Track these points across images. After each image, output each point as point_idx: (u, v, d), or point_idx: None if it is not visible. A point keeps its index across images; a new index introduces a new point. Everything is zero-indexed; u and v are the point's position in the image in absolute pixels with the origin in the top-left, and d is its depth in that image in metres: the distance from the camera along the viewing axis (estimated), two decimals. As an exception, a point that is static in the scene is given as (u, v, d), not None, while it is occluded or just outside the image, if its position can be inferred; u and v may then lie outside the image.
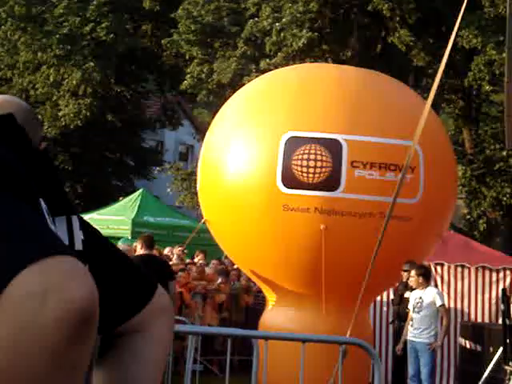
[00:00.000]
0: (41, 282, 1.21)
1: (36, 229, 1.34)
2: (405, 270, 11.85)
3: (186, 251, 15.72)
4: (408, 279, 11.78)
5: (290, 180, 11.74)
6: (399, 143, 11.67)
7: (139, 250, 11.92)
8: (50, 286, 1.21)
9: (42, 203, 1.62)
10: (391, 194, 10.91)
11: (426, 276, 11.34)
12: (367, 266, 10.63)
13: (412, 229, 11.83)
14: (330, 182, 11.69)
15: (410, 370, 11.37)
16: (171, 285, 10.86)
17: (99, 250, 1.88)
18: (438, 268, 14.29)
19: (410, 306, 11.39)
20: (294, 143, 11.78)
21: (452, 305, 14.28)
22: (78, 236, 1.81)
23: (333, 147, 11.71)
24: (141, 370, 1.85)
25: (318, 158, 11.71)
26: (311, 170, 11.69)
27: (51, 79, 28.22)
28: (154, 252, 12.59)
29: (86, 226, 1.89)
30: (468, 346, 12.59)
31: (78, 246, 1.80)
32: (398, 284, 12.87)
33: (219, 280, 14.96)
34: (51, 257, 1.25)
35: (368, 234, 11.29)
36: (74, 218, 1.82)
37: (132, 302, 1.89)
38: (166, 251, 15.71)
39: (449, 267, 14.34)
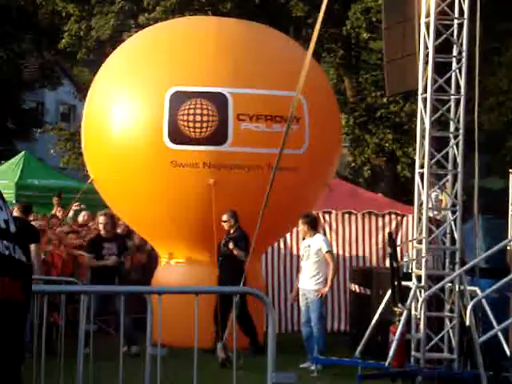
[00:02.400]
0: None
1: None
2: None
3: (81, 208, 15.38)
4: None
5: (177, 136, 11.68)
6: (284, 94, 11.74)
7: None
8: None
9: None
10: (278, 146, 11.00)
11: (312, 224, 11.49)
12: (257, 217, 10.72)
13: (299, 179, 11.97)
14: (218, 136, 11.70)
15: (302, 317, 11.58)
16: (35, 248, 10.68)
17: None
18: (326, 216, 14.51)
19: (301, 255, 11.54)
20: (178, 98, 11.71)
21: (341, 251, 14.56)
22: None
23: (218, 101, 11.69)
24: None
25: (204, 112, 11.68)
26: (198, 125, 11.66)
27: None
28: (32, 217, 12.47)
29: None
30: (357, 290, 12.85)
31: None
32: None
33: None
34: None
35: (257, 187, 11.36)
36: None
37: None
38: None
39: (336, 215, 14.58)
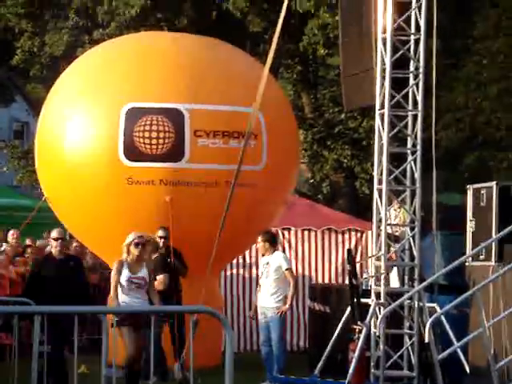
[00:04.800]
0: None
1: None
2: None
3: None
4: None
5: (133, 152, 11.55)
6: (241, 110, 11.66)
7: None
8: None
9: None
10: (236, 162, 10.90)
11: (271, 241, 11.39)
12: (215, 235, 10.60)
13: (258, 195, 11.88)
14: (174, 153, 11.58)
15: (261, 335, 11.47)
16: None
17: None
18: (286, 233, 14.43)
19: (260, 272, 11.42)
20: (134, 114, 11.59)
21: (300, 268, 14.47)
22: None
23: (175, 117, 11.58)
24: None
25: (161, 128, 11.56)
26: (154, 142, 11.54)
27: None
28: None
29: None
30: (317, 307, 12.77)
31: None
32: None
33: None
34: None
35: (215, 203, 11.24)
36: None
37: None
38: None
39: (296, 231, 14.51)
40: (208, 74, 12.02)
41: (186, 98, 11.70)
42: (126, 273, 9.45)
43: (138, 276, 9.45)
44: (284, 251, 13.75)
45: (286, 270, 11.37)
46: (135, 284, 9.41)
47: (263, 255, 11.50)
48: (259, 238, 11.37)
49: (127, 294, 9.40)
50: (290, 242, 14.53)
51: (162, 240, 11.50)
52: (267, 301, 11.26)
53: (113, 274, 9.55)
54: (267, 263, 11.30)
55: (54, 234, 10.29)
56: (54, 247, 10.26)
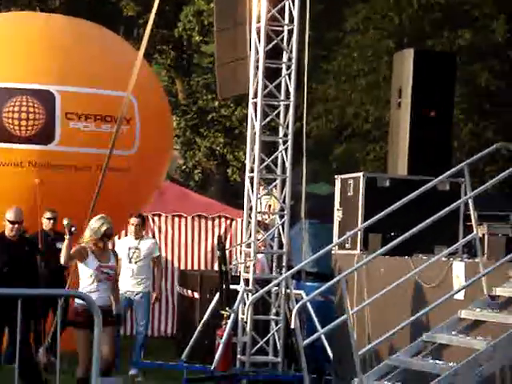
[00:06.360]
0: None
1: None
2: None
3: None
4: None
5: (1, 133, 11.31)
6: (114, 94, 11.57)
7: None
8: None
9: None
10: (108, 146, 10.83)
11: (141, 226, 11.35)
12: (85, 219, 10.49)
13: (130, 180, 11.82)
14: (44, 135, 11.39)
15: (127, 320, 11.41)
16: None
17: None
18: (156, 218, 14.41)
19: (125, 256, 11.29)
20: (3, 95, 11.34)
21: (170, 254, 14.48)
22: None
23: (45, 99, 11.39)
24: None
25: (31, 109, 11.35)
26: (23, 123, 11.32)
27: None
28: None
29: None
30: (186, 293, 12.81)
31: None
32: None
33: None
34: None
35: (86, 187, 11.13)
36: None
37: None
38: None
39: (166, 217, 14.50)
40: (81, 57, 11.86)
41: (58, 80, 11.53)
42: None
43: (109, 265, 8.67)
44: (154, 237, 13.75)
45: (156, 255, 11.39)
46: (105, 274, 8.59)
47: (137, 238, 11.39)
48: (132, 221, 11.28)
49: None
50: (160, 228, 14.52)
51: (51, 222, 11.15)
52: (133, 285, 11.18)
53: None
54: (136, 248, 11.23)
55: (12, 216, 9.57)
56: (9, 229, 9.54)
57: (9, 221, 9.54)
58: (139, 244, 11.27)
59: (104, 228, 8.59)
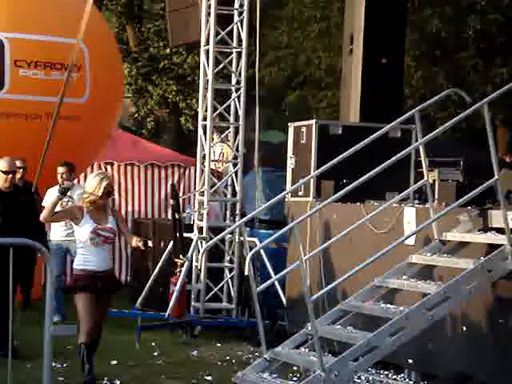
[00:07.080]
0: None
1: None
2: None
3: None
4: None
5: (-51, 81, 11.13)
6: (64, 41, 11.39)
7: None
8: None
9: None
10: (58, 94, 10.71)
11: (70, 174, 10.97)
12: (36, 167, 10.41)
13: (80, 128, 11.70)
14: (-7, 83, 11.24)
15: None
16: None
17: None
18: (108, 167, 14.31)
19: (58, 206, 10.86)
20: (-49, 42, 11.14)
21: (123, 203, 14.41)
22: None
23: (-6, 46, 11.22)
24: None
25: (-19, 57, 11.17)
26: (-29, 71, 11.14)
27: None
28: None
29: None
30: (140, 242, 12.75)
31: None
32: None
33: None
34: None
35: (36, 136, 11.00)
36: None
37: None
38: None
39: (118, 166, 14.40)
40: (30, 3, 11.65)
41: (6, 27, 11.32)
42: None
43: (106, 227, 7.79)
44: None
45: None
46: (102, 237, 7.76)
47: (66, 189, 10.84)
48: (59, 170, 10.65)
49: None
50: (112, 177, 14.42)
51: (21, 171, 10.52)
52: (68, 235, 10.71)
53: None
54: (70, 197, 10.58)
55: (6, 166, 8.94)
56: (3, 180, 8.91)
57: (2, 171, 8.92)
58: (70, 192, 10.64)
59: (104, 183, 7.61)
